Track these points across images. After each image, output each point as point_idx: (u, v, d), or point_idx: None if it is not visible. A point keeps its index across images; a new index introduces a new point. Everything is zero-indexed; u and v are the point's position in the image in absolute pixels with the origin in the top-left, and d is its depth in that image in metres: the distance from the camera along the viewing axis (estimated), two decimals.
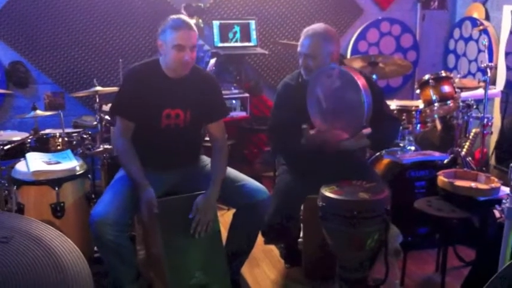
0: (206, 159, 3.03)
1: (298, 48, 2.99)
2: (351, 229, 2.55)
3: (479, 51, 5.29)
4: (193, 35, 2.69)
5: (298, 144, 2.93)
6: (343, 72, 2.74)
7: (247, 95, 4.83)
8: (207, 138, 3.10)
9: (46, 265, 1.24)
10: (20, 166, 3.18)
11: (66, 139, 3.70)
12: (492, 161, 4.80)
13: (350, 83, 2.68)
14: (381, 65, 4.19)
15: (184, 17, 2.76)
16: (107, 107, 3.81)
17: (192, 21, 2.76)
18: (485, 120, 3.96)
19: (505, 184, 2.85)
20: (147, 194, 2.60)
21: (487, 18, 5.32)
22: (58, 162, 3.22)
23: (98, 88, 3.75)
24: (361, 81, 2.66)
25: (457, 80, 4.08)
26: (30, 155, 3.28)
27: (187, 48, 2.66)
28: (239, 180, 2.87)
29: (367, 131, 2.76)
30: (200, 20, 5.02)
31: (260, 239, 3.02)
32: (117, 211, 2.56)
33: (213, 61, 4.41)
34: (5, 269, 1.21)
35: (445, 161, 3.58)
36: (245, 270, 3.18)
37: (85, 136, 3.74)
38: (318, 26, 2.98)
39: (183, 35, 2.65)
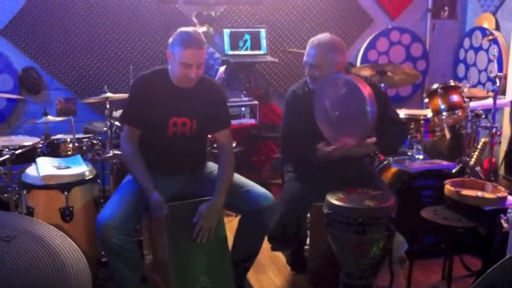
0: (213, 166, 3.06)
1: (304, 58, 3.01)
2: (356, 236, 2.56)
3: (489, 61, 5.28)
4: (202, 54, 2.71)
5: (309, 154, 2.96)
6: (348, 81, 2.77)
7: (256, 102, 4.85)
8: (215, 145, 3.13)
9: (47, 264, 1.27)
10: (31, 170, 3.22)
11: (76, 144, 3.74)
12: (501, 171, 4.77)
13: (355, 93, 2.71)
14: (389, 73, 4.20)
15: (195, 32, 2.75)
16: (117, 113, 3.85)
17: (203, 30, 2.79)
18: (494, 129, 3.96)
19: None
20: (155, 197, 2.64)
21: (497, 28, 5.32)
22: (68, 167, 3.26)
23: (109, 94, 3.79)
24: (366, 91, 2.67)
25: (466, 90, 4.09)
26: (40, 160, 3.33)
27: (194, 66, 2.69)
28: (245, 186, 2.89)
29: (371, 140, 2.78)
30: (211, 28, 5.06)
31: (267, 245, 3.04)
32: (123, 215, 2.59)
33: (223, 69, 4.44)
34: (6, 267, 1.24)
35: (454, 171, 3.58)
36: (251, 276, 3.20)
37: (95, 142, 3.78)
38: (323, 36, 2.99)
39: (191, 53, 2.67)
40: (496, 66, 4.51)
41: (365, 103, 2.65)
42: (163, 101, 2.78)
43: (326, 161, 2.91)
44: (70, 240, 1.44)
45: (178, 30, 2.75)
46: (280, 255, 3.56)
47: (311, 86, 3.02)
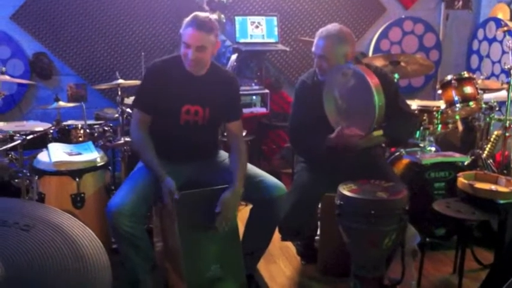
0: (224, 154, 3.05)
1: (313, 49, 2.98)
2: (368, 228, 2.55)
3: (503, 52, 5.22)
4: (202, 36, 2.66)
5: (318, 144, 2.94)
6: (356, 72, 2.74)
7: (267, 91, 4.83)
8: (225, 134, 3.12)
9: (65, 253, 1.27)
10: (42, 156, 3.23)
11: (87, 131, 3.75)
12: None
13: (362, 84, 2.68)
14: (402, 64, 4.16)
15: (204, 15, 2.73)
16: (128, 100, 3.84)
17: (215, 17, 2.77)
18: (508, 122, 3.90)
19: None
20: (167, 182, 2.62)
21: None
22: (79, 154, 3.26)
23: (120, 81, 3.78)
24: (373, 82, 2.65)
25: (479, 81, 4.04)
26: (52, 146, 3.33)
27: (192, 47, 2.66)
28: (257, 176, 2.88)
29: (377, 133, 2.76)
30: (222, 16, 5.04)
31: (277, 235, 3.03)
32: (133, 202, 2.59)
33: (234, 57, 4.41)
34: (25, 256, 1.24)
35: (466, 163, 3.55)
36: (261, 266, 3.20)
37: (106, 128, 3.78)
38: (332, 27, 2.96)
39: (190, 33, 2.66)
40: (510, 57, 4.46)
41: (372, 94, 2.62)
42: (176, 88, 2.77)
43: (336, 152, 2.88)
44: (88, 229, 1.43)
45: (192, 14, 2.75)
46: (290, 246, 3.55)
47: (320, 77, 3.00)
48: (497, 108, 3.97)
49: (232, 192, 2.69)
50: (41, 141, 3.52)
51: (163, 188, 2.63)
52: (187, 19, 2.71)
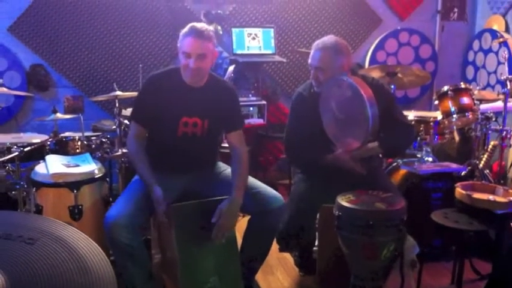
0: (222, 166, 3.05)
1: (309, 61, 3.00)
2: (367, 239, 2.55)
3: (499, 63, 5.26)
4: (202, 44, 2.67)
5: (314, 157, 2.96)
6: (350, 83, 2.75)
7: (264, 102, 4.85)
8: (224, 145, 3.11)
9: (71, 266, 1.26)
10: (40, 168, 3.22)
11: (85, 142, 3.73)
12: (510, 174, 4.75)
13: (356, 95, 2.70)
14: (399, 75, 4.18)
15: (201, 25, 2.74)
16: (126, 112, 3.85)
17: (211, 28, 2.78)
18: (504, 133, 3.92)
19: None
20: (156, 192, 2.60)
21: (507, 30, 5.30)
22: (77, 165, 3.25)
23: (118, 93, 3.79)
24: (366, 94, 2.66)
25: (476, 92, 4.06)
26: (49, 158, 3.32)
27: (193, 56, 2.66)
28: (254, 187, 2.87)
29: (373, 144, 2.78)
30: (219, 27, 5.06)
31: (275, 246, 3.03)
32: (131, 214, 2.58)
33: (231, 68, 4.43)
34: (30, 269, 1.22)
35: (463, 173, 3.57)
36: (259, 277, 3.18)
37: (104, 140, 3.77)
38: (328, 39, 2.98)
39: (189, 42, 2.66)
40: (506, 68, 4.49)
41: (365, 106, 2.64)
42: (174, 100, 2.77)
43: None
44: (93, 242, 1.43)
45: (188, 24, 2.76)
46: (288, 257, 3.54)
47: (316, 89, 3.01)
48: (493, 119, 3.98)
49: (230, 202, 2.67)
50: (38, 153, 3.50)
51: (152, 197, 2.62)
52: (185, 30, 2.72)
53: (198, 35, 2.67)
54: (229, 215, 2.66)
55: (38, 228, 1.37)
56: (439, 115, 4.01)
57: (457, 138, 4.44)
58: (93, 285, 1.23)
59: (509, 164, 4.73)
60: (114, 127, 3.78)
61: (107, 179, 3.43)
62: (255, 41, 5.02)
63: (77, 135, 3.82)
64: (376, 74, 4.16)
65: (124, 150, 3.60)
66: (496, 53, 5.32)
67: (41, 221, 1.48)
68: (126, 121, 3.73)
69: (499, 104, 4.08)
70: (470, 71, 5.81)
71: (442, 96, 3.98)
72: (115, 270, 1.41)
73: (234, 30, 4.98)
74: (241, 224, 2.99)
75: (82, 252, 1.34)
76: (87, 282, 1.23)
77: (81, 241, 1.39)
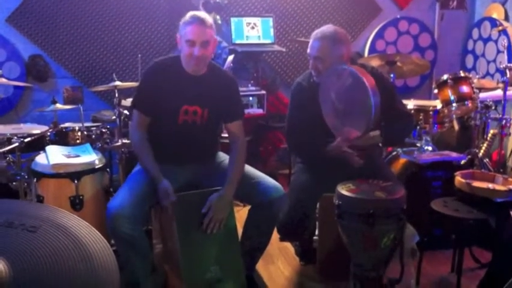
0: (223, 156, 3.05)
1: (308, 51, 2.99)
2: (367, 228, 2.55)
3: (498, 51, 5.25)
4: (205, 31, 2.69)
5: (314, 146, 2.96)
6: (352, 72, 2.74)
7: (263, 92, 4.84)
8: (224, 135, 3.11)
9: (74, 254, 1.27)
10: (40, 159, 3.22)
11: (85, 133, 3.74)
12: (510, 163, 4.76)
13: (358, 84, 2.69)
14: (398, 64, 4.18)
15: (201, 13, 2.76)
16: (126, 102, 3.84)
17: (210, 18, 2.78)
18: (504, 121, 3.92)
19: None
20: (163, 185, 2.63)
21: (507, 18, 5.28)
22: (77, 156, 3.26)
23: (117, 83, 3.78)
24: (369, 82, 2.65)
25: (475, 81, 4.06)
26: (50, 148, 3.33)
27: (198, 43, 2.67)
28: (255, 178, 2.88)
29: (374, 133, 2.78)
30: (218, 17, 5.04)
31: (276, 236, 3.04)
32: (132, 204, 2.59)
33: (231, 58, 4.42)
34: (33, 258, 1.23)
35: (462, 162, 3.57)
36: (260, 267, 3.20)
37: (104, 130, 3.77)
38: (327, 29, 2.96)
39: (193, 29, 2.67)
40: (505, 57, 4.48)
41: (368, 95, 2.63)
42: (174, 89, 2.77)
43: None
44: (95, 230, 1.43)
45: (187, 13, 2.76)
46: (289, 246, 3.56)
47: (315, 79, 3.01)
48: (493, 107, 3.98)
49: (220, 196, 2.70)
50: (38, 144, 3.51)
51: (160, 190, 2.64)
52: (186, 18, 2.72)
53: (201, 22, 2.68)
54: (218, 208, 2.68)
55: (39, 216, 1.38)
56: (438, 104, 4.01)
57: (456, 127, 4.45)
58: (96, 272, 1.24)
59: (508, 152, 4.74)
60: (114, 117, 3.77)
61: (108, 169, 3.43)
62: (254, 31, 5.00)
63: (77, 125, 3.82)
64: (375, 62, 4.16)
65: (124, 141, 3.60)
66: (496, 42, 5.31)
67: (43, 209, 1.49)
68: (125, 111, 3.73)
69: (499, 92, 4.07)
70: (469, 60, 5.80)
71: (442, 85, 3.97)
72: (118, 262, 1.42)
73: (233, 20, 4.96)
74: (242, 213, 3.00)
75: (84, 239, 1.34)
76: (90, 269, 1.24)
77: (83, 229, 1.40)
